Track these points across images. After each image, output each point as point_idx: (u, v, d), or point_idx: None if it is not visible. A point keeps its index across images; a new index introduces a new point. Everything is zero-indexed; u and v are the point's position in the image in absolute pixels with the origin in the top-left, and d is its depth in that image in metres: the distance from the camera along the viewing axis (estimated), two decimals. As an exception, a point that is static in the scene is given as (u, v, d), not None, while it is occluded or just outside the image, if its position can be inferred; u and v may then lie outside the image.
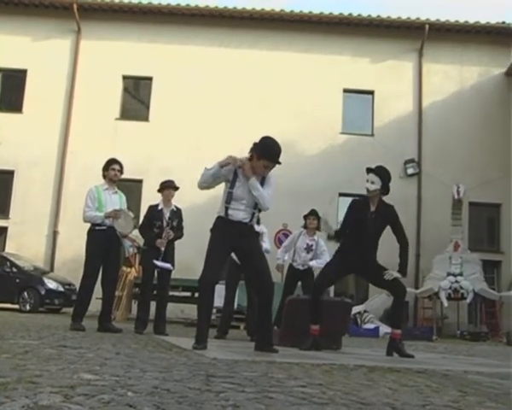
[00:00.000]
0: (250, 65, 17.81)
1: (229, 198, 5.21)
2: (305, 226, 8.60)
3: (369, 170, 5.90)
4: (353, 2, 42.13)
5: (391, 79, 17.73)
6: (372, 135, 17.64)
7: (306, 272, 8.45)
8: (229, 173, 5.19)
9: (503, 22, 17.48)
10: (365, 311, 13.84)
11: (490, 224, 17.75)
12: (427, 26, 17.38)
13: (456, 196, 14.80)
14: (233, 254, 7.98)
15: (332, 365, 4.07)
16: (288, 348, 5.81)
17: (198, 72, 17.71)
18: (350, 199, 19.41)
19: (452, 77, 17.86)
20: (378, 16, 17.59)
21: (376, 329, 12.71)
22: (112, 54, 17.86)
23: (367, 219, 5.83)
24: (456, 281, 13.82)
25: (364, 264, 5.86)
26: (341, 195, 17.24)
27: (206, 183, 5.32)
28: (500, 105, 17.62)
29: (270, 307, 5.27)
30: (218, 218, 5.37)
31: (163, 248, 7.50)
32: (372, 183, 5.77)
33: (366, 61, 17.89)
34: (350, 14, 17.55)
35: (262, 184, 5.21)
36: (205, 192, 17.42)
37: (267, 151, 5.00)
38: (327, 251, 8.50)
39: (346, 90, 17.84)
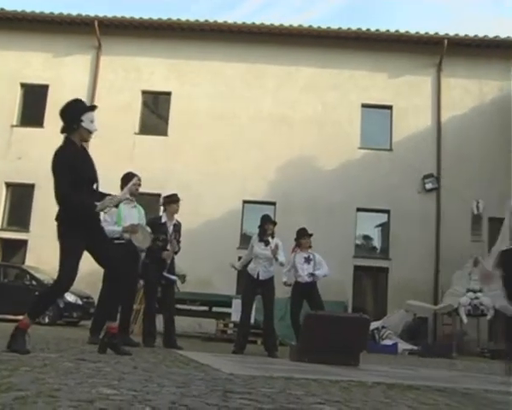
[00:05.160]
0: (268, 80, 17.91)
1: None
2: (298, 245, 8.77)
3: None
4: (371, 18, 42.28)
5: (409, 93, 17.68)
6: (390, 150, 17.56)
7: (311, 285, 8.54)
8: None
9: (523, 36, 17.39)
10: (383, 327, 13.71)
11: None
12: (445, 41, 17.31)
13: (475, 212, 14.64)
14: (249, 269, 8.02)
15: (350, 381, 4.04)
16: (306, 364, 5.77)
17: (216, 87, 17.85)
18: (368, 214, 19.21)
19: (472, 91, 17.73)
20: (396, 31, 17.59)
21: (395, 345, 12.57)
22: (131, 69, 18.10)
23: None
24: (476, 297, 13.61)
25: None
26: (359, 210, 17.19)
27: None
28: (522, 118, 17.46)
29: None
30: None
31: (169, 261, 7.53)
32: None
33: (384, 75, 17.87)
34: (368, 30, 17.57)
35: None
36: (221, 207, 17.55)
37: None
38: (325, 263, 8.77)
39: (364, 105, 17.81)
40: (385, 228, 17.50)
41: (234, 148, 17.37)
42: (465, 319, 13.72)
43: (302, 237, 8.83)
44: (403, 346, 12.89)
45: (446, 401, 3.11)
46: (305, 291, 8.57)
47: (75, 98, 5.09)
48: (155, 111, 18.82)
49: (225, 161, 17.17)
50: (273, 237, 8.04)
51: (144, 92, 18.34)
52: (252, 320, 10.44)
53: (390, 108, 17.83)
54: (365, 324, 6.53)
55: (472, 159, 17.17)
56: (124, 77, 18.04)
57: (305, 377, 4.11)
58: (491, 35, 17.47)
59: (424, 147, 17.36)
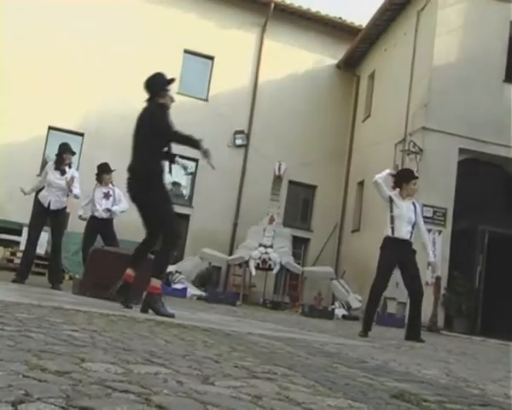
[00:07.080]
0: (91, 5, 16.82)
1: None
2: (99, 180, 8.76)
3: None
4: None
5: (232, 48, 17.84)
6: (207, 100, 17.74)
7: (107, 220, 8.53)
8: None
9: (340, 18, 18.50)
10: (177, 271, 14.04)
11: (305, 203, 18.88)
12: (272, 5, 17.76)
13: (276, 173, 15.50)
14: (40, 196, 7.67)
15: (122, 316, 4.08)
16: (87, 298, 5.71)
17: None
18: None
19: (290, 58, 18.38)
20: (228, -16, 17.62)
21: (184, 289, 12.98)
22: None
23: None
24: (266, 252, 14.51)
25: None
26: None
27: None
28: (330, 94, 18.66)
29: (420, 307, 6.66)
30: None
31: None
32: None
33: (211, 25, 17.80)
34: (199, -25, 17.35)
35: None
36: (25, 131, 16.32)
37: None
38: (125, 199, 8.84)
39: (186, 51, 17.69)
40: (192, 176, 17.74)
41: (42, 69, 16.14)
42: (253, 272, 14.59)
43: (103, 172, 8.72)
44: (192, 291, 13.35)
45: (205, 339, 3.28)
46: (100, 226, 8.51)
47: (159, 72, 5.74)
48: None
49: (32, 83, 15.96)
50: (70, 167, 7.77)
51: None
52: (42, 251, 10.02)
53: (212, 58, 17.93)
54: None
55: (281, 123, 17.97)
56: None
57: (77, 308, 4.07)
58: (313, 9, 18.31)
59: (239, 103, 17.78)
